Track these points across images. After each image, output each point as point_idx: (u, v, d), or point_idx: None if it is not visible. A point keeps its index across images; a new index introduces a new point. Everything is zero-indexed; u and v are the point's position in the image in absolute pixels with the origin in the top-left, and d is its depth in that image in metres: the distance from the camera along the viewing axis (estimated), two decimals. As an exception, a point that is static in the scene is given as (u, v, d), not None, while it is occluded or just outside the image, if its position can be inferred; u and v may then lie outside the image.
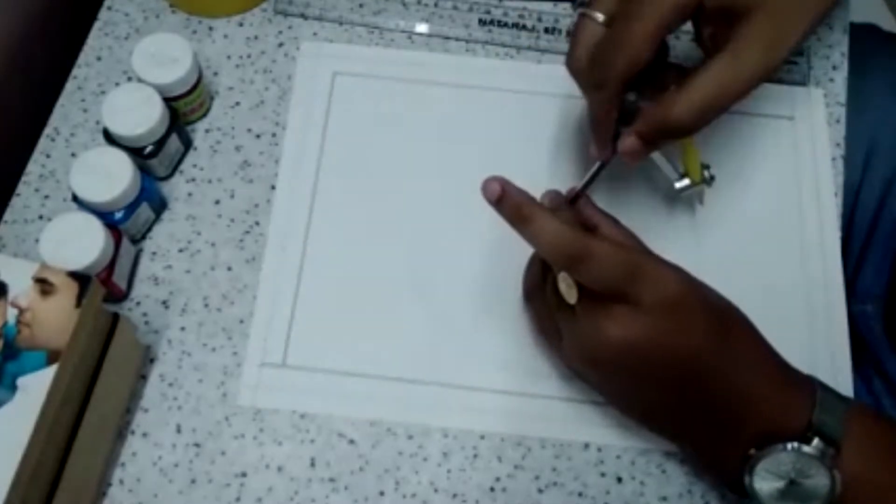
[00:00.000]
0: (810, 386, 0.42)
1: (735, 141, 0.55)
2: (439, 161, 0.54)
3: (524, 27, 0.58)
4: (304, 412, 0.48)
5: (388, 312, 0.50)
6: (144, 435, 0.48)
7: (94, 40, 0.58)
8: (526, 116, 0.56)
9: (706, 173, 0.50)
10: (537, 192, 0.52)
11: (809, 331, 0.50)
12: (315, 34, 0.58)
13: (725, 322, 0.42)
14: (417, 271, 0.51)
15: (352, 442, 0.48)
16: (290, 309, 0.50)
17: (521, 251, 0.51)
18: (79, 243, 0.45)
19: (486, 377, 0.49)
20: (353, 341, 0.50)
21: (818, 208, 0.53)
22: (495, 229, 0.52)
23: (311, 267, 0.51)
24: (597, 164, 0.47)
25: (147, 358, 0.49)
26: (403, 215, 0.53)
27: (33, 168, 0.54)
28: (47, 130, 0.55)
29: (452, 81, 0.56)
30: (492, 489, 0.47)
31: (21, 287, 0.40)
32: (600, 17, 0.44)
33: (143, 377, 0.49)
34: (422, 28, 0.58)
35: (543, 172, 0.54)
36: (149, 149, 0.50)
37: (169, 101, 0.51)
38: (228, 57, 0.57)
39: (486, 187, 0.42)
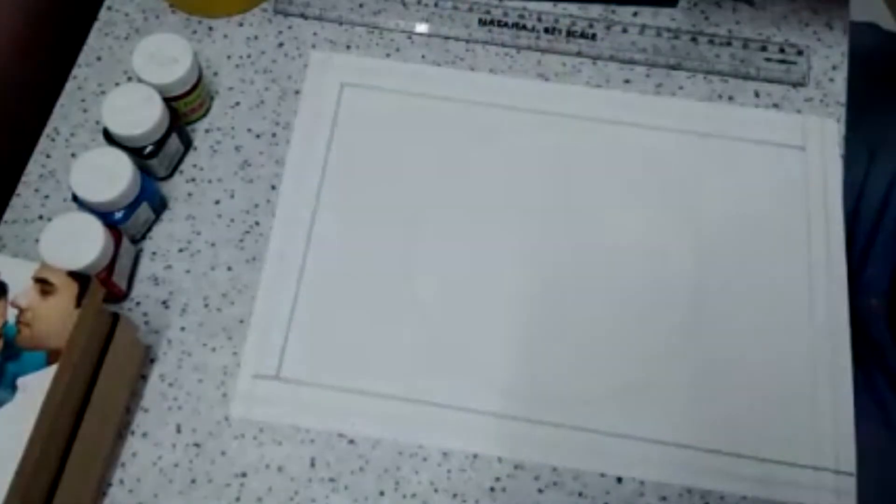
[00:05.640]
0: None
1: (742, 168, 0.54)
2: (444, 178, 0.54)
3: (524, 27, 0.58)
4: (296, 425, 0.48)
5: (385, 329, 0.50)
6: (144, 435, 0.48)
7: (94, 40, 0.58)
8: (534, 135, 0.55)
9: None
10: (539, 206, 0.53)
11: (811, 327, 0.50)
12: (315, 34, 0.58)
13: None
14: (418, 289, 0.51)
15: (352, 442, 0.48)
16: (287, 321, 0.50)
17: (523, 270, 0.52)
18: (79, 243, 0.45)
19: (484, 400, 0.48)
20: (349, 357, 0.49)
21: (827, 244, 0.52)
22: (498, 248, 0.52)
23: (311, 280, 0.51)
24: None
25: (147, 358, 0.49)
26: (405, 232, 0.52)
27: (33, 168, 0.54)
28: (47, 130, 0.55)
29: (461, 97, 0.56)
30: (492, 489, 0.47)
31: (21, 287, 0.40)
32: None
33: (143, 377, 0.49)
34: (422, 28, 0.58)
35: (551, 190, 0.54)
36: (149, 149, 0.50)
37: (169, 101, 0.51)
38: (228, 57, 0.57)
39: None
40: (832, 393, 0.49)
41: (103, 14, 0.58)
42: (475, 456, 0.47)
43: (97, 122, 0.55)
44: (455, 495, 0.47)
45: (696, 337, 0.50)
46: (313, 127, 0.55)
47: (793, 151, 0.55)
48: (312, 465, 0.47)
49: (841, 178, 0.54)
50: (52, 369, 0.39)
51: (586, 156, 0.55)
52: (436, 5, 0.58)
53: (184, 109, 0.53)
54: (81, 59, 0.57)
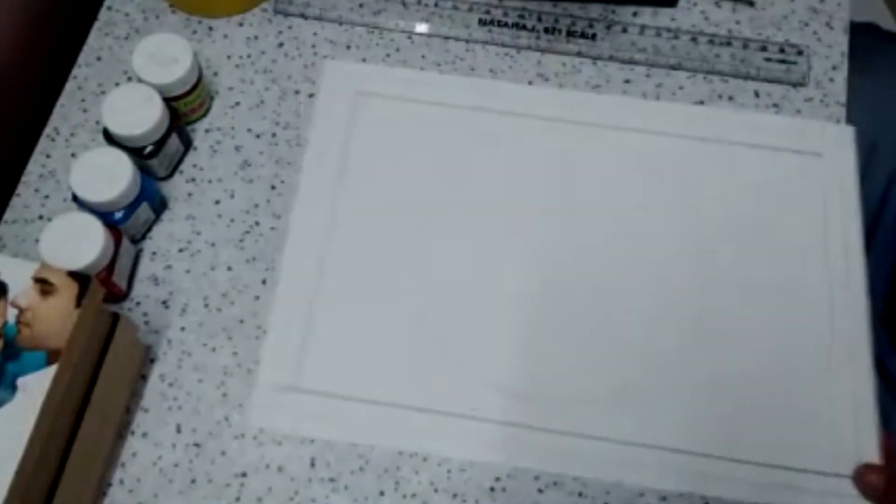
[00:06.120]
0: None
1: (759, 174, 0.54)
2: (460, 187, 0.53)
3: (524, 27, 0.58)
4: (314, 437, 0.47)
5: (401, 340, 0.50)
6: (144, 435, 0.48)
7: (94, 40, 0.58)
8: (552, 144, 0.55)
9: None
10: (557, 217, 0.53)
11: (830, 335, 0.50)
12: (315, 34, 0.58)
13: None
14: (434, 299, 0.51)
15: (352, 442, 0.48)
16: (304, 332, 0.49)
17: (538, 282, 0.51)
18: (79, 243, 0.45)
19: (489, 407, 0.48)
20: (366, 367, 0.49)
21: (845, 250, 0.52)
22: (513, 258, 0.52)
23: (327, 290, 0.50)
24: None
25: (147, 358, 0.49)
26: (421, 242, 0.52)
27: (33, 168, 0.54)
28: (47, 130, 0.55)
29: (477, 105, 0.56)
30: (492, 489, 0.47)
31: (21, 287, 0.40)
32: None
33: (143, 377, 0.49)
34: (422, 28, 0.58)
35: (565, 200, 0.53)
36: (149, 149, 0.50)
37: (169, 101, 0.51)
38: (228, 57, 0.57)
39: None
40: (852, 399, 0.48)
41: (103, 14, 0.58)
42: (475, 456, 0.47)
43: (97, 122, 0.55)
44: (455, 495, 0.47)
45: (708, 342, 0.50)
46: (328, 136, 0.54)
47: (809, 158, 0.55)
48: (312, 465, 0.47)
49: (858, 184, 0.54)
50: (52, 369, 0.39)
51: (598, 162, 0.54)
52: (436, 5, 0.59)
53: (184, 109, 0.53)
54: (81, 59, 0.57)
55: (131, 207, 0.49)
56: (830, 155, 0.55)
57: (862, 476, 0.47)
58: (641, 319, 0.50)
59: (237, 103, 0.56)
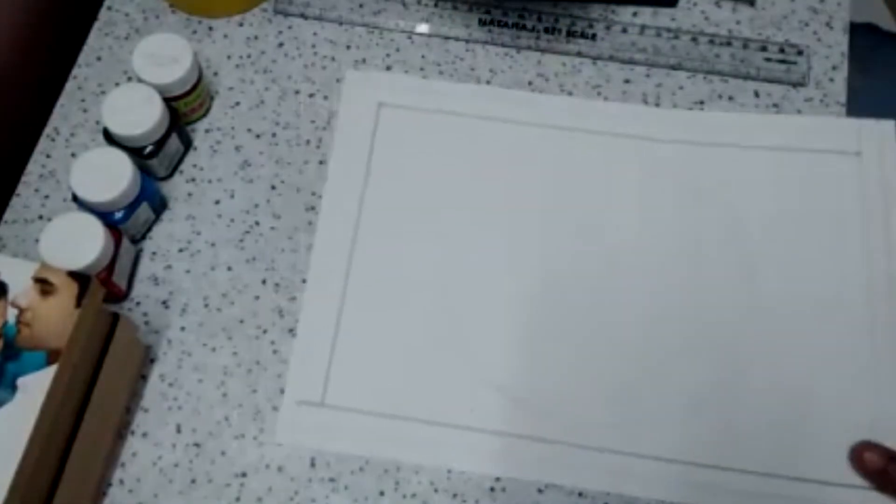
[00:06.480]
0: None
1: (798, 176, 0.53)
2: (484, 199, 0.53)
3: (524, 27, 0.58)
4: (340, 452, 0.47)
5: (426, 355, 0.49)
6: (144, 435, 0.48)
7: (94, 40, 0.58)
8: (579, 154, 0.54)
9: None
10: (585, 229, 0.52)
11: (872, 347, 0.49)
12: (315, 34, 0.58)
13: None
14: (457, 313, 0.50)
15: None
16: (330, 348, 0.49)
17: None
18: (79, 243, 0.45)
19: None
20: (392, 383, 0.48)
21: (888, 251, 0.51)
22: (539, 272, 0.51)
23: (351, 304, 0.50)
24: None
25: (147, 358, 0.49)
26: (446, 256, 0.51)
27: (33, 168, 0.54)
28: (47, 130, 0.55)
29: (500, 115, 0.55)
30: (492, 489, 0.47)
31: (21, 287, 0.40)
32: None
33: (143, 377, 0.49)
34: (422, 28, 0.58)
35: (593, 212, 0.53)
36: (149, 149, 0.50)
37: (169, 101, 0.51)
38: (228, 57, 0.57)
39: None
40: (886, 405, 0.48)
41: (103, 14, 0.58)
42: (475, 456, 0.47)
43: (97, 122, 0.55)
44: (455, 495, 0.47)
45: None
46: (351, 148, 0.54)
47: (848, 158, 0.54)
48: (312, 465, 0.47)
49: None
50: (52, 369, 0.39)
51: (624, 172, 0.54)
52: (436, 5, 0.59)
53: (184, 109, 0.53)
54: (81, 59, 0.57)
55: (131, 207, 0.49)
56: (871, 153, 0.54)
57: (859, 454, 0.46)
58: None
59: (237, 103, 0.56)
